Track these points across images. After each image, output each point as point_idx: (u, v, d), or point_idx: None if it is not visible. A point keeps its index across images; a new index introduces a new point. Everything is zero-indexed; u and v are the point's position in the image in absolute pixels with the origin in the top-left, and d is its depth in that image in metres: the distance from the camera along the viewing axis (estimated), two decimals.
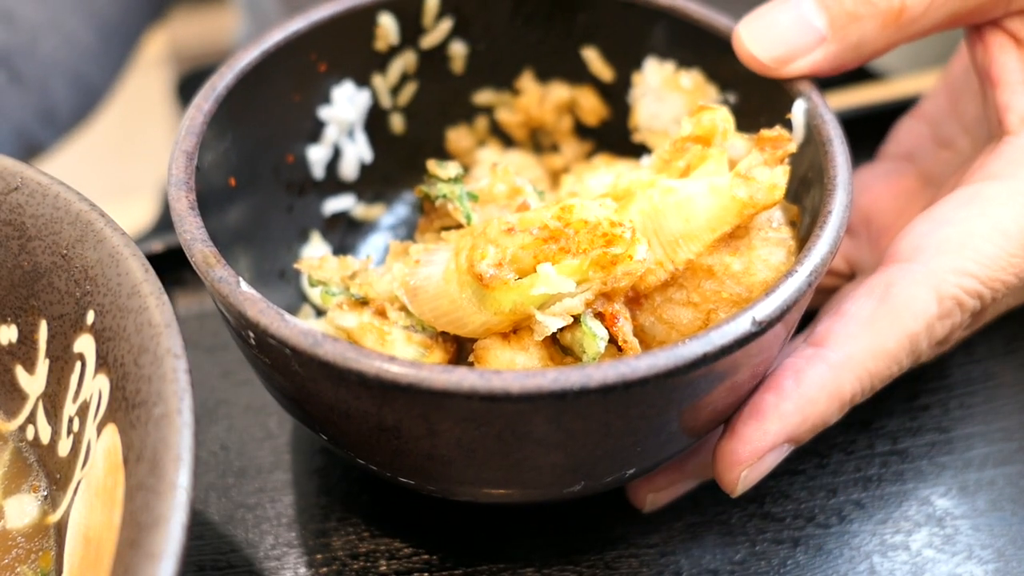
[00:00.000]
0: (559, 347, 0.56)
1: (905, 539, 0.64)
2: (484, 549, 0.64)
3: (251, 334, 0.51)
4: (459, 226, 0.63)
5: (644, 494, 0.63)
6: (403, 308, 0.59)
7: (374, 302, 0.60)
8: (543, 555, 0.64)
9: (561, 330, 0.55)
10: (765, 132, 0.58)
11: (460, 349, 0.60)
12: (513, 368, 0.55)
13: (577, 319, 0.54)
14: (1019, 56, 0.61)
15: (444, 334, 0.59)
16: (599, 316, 0.55)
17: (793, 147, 0.58)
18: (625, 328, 0.55)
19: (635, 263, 0.54)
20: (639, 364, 0.48)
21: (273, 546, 0.65)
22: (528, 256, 0.55)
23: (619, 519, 0.65)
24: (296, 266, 0.64)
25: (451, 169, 0.63)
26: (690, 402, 0.52)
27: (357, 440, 0.55)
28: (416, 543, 0.65)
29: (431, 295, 0.57)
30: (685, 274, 0.57)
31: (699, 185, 0.57)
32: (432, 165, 0.64)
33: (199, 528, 0.65)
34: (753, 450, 0.56)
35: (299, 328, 0.49)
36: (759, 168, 0.57)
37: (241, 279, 0.51)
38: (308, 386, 0.52)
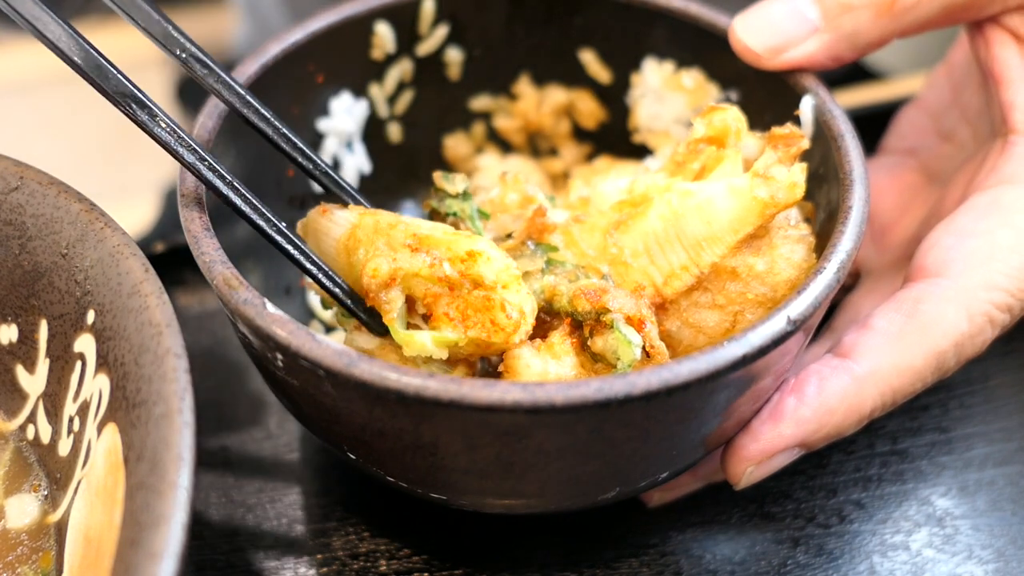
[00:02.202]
0: (590, 354, 0.56)
1: (905, 539, 0.64)
2: (485, 549, 0.64)
3: (279, 356, 0.51)
4: None
5: (653, 491, 0.63)
6: None
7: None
8: (543, 555, 0.64)
9: (592, 337, 0.55)
10: (777, 130, 0.58)
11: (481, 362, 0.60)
12: (546, 378, 0.55)
13: (610, 325, 0.54)
14: (1020, 52, 0.61)
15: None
16: (628, 321, 0.55)
17: (806, 144, 0.58)
18: (652, 333, 0.55)
19: (509, 344, 0.55)
20: (681, 369, 0.47)
21: (273, 546, 0.65)
22: (419, 286, 0.55)
23: (619, 519, 0.65)
24: (308, 286, 0.63)
25: (459, 183, 0.63)
26: (726, 404, 0.52)
27: (390, 458, 0.54)
28: (416, 543, 0.65)
29: (330, 255, 0.59)
30: (709, 277, 0.57)
31: (718, 187, 0.57)
32: (439, 178, 0.63)
33: (199, 528, 0.65)
34: (763, 449, 0.56)
35: (332, 348, 0.48)
36: (776, 167, 0.57)
37: (266, 300, 0.51)
38: (340, 406, 0.51)
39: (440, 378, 0.47)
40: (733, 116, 0.60)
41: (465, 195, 0.62)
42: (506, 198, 0.63)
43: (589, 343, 0.55)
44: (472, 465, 0.52)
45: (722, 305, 0.58)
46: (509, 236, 0.62)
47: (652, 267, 0.58)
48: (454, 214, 0.62)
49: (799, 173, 0.57)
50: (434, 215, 0.64)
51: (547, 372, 0.55)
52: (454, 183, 0.63)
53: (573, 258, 0.60)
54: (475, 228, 0.62)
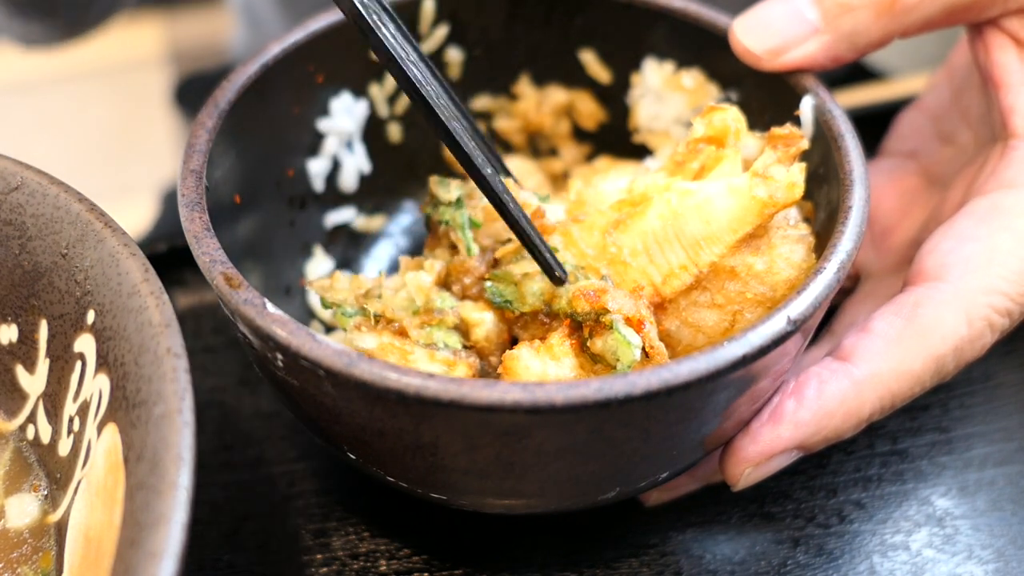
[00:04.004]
0: (589, 355, 0.56)
1: (905, 539, 0.64)
2: (484, 549, 0.64)
3: (279, 356, 0.51)
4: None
5: (651, 491, 0.63)
6: (423, 324, 0.59)
7: (391, 323, 0.60)
8: (543, 555, 0.64)
9: (591, 337, 0.55)
10: (776, 130, 0.58)
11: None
12: (545, 379, 0.55)
13: (609, 326, 0.54)
14: (1019, 56, 0.61)
15: (467, 349, 0.59)
16: (627, 322, 0.55)
17: (805, 144, 0.58)
18: (651, 334, 0.55)
19: None
20: (681, 369, 0.47)
21: (273, 546, 0.65)
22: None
23: (619, 519, 0.65)
24: (308, 287, 0.63)
25: (453, 190, 0.62)
26: (726, 404, 0.52)
27: (390, 458, 0.54)
28: (416, 543, 0.65)
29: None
30: (708, 276, 0.57)
31: (717, 186, 0.57)
32: (434, 183, 0.63)
33: (199, 528, 0.65)
34: (761, 451, 0.56)
35: (332, 348, 0.48)
36: (775, 167, 0.57)
37: (266, 300, 0.51)
38: (340, 406, 0.51)
39: (440, 378, 0.47)
40: (733, 116, 0.60)
41: (458, 203, 0.62)
42: None
43: (588, 344, 0.55)
44: (472, 465, 0.52)
45: (721, 304, 0.58)
46: (508, 241, 0.61)
47: (651, 266, 0.58)
48: (446, 222, 0.62)
49: (798, 173, 0.57)
50: (430, 220, 0.64)
51: (546, 373, 0.55)
52: (449, 190, 0.62)
53: (572, 259, 0.60)
54: (465, 238, 0.62)
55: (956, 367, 0.58)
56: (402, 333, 0.59)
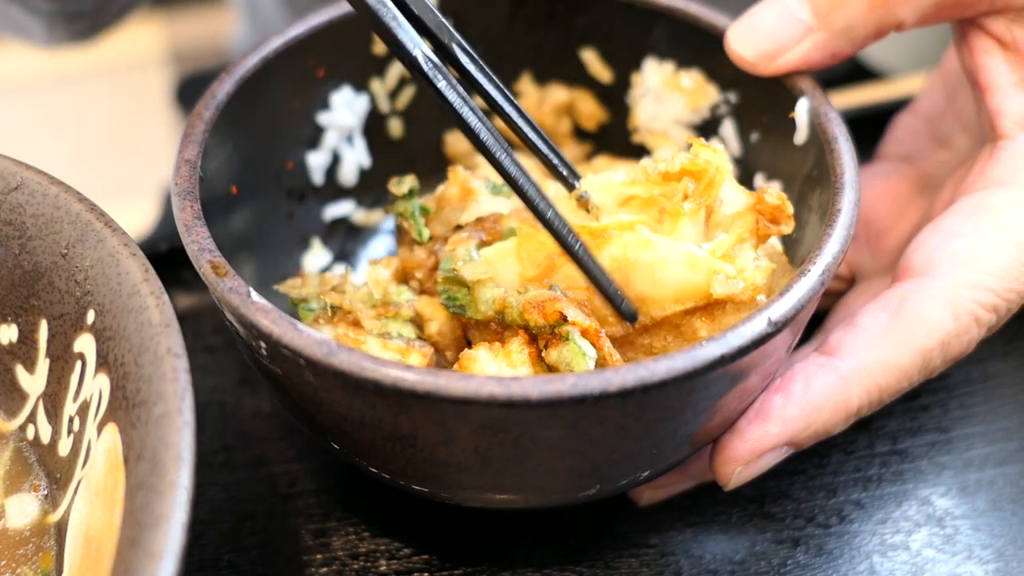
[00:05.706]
0: (545, 366, 0.56)
1: (905, 539, 0.64)
2: (484, 549, 0.64)
3: (262, 344, 0.51)
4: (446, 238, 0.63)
5: (643, 489, 0.63)
6: (379, 316, 0.59)
7: (348, 315, 0.61)
8: (543, 555, 0.64)
9: (547, 348, 0.55)
10: (768, 197, 0.57)
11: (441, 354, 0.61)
12: None
13: (564, 337, 0.54)
14: (1005, 59, 0.61)
15: (420, 339, 0.60)
16: (583, 333, 0.55)
17: (788, 229, 0.57)
18: (606, 345, 0.55)
19: None
20: (657, 367, 0.47)
21: (273, 546, 0.65)
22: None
23: (619, 519, 0.65)
24: (279, 288, 0.63)
25: (405, 184, 0.64)
26: (706, 404, 0.52)
27: (371, 449, 0.55)
28: (416, 543, 0.65)
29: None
30: (651, 324, 0.57)
31: (678, 251, 0.55)
32: (391, 184, 0.64)
33: (199, 528, 0.65)
34: (751, 449, 0.56)
35: (313, 338, 0.49)
36: (745, 250, 0.56)
37: (251, 289, 0.51)
38: (321, 396, 0.52)
39: (417, 369, 0.48)
40: (717, 161, 0.57)
41: (410, 194, 0.64)
42: (448, 192, 0.63)
43: (544, 355, 0.55)
44: (450, 458, 0.52)
45: (658, 352, 0.57)
46: (459, 228, 0.62)
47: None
48: (400, 214, 0.63)
49: (764, 271, 0.55)
50: (397, 219, 0.65)
51: (501, 375, 0.55)
52: (401, 185, 0.64)
53: (516, 273, 0.59)
54: (417, 225, 0.63)
55: (943, 362, 0.58)
56: (357, 324, 0.60)
